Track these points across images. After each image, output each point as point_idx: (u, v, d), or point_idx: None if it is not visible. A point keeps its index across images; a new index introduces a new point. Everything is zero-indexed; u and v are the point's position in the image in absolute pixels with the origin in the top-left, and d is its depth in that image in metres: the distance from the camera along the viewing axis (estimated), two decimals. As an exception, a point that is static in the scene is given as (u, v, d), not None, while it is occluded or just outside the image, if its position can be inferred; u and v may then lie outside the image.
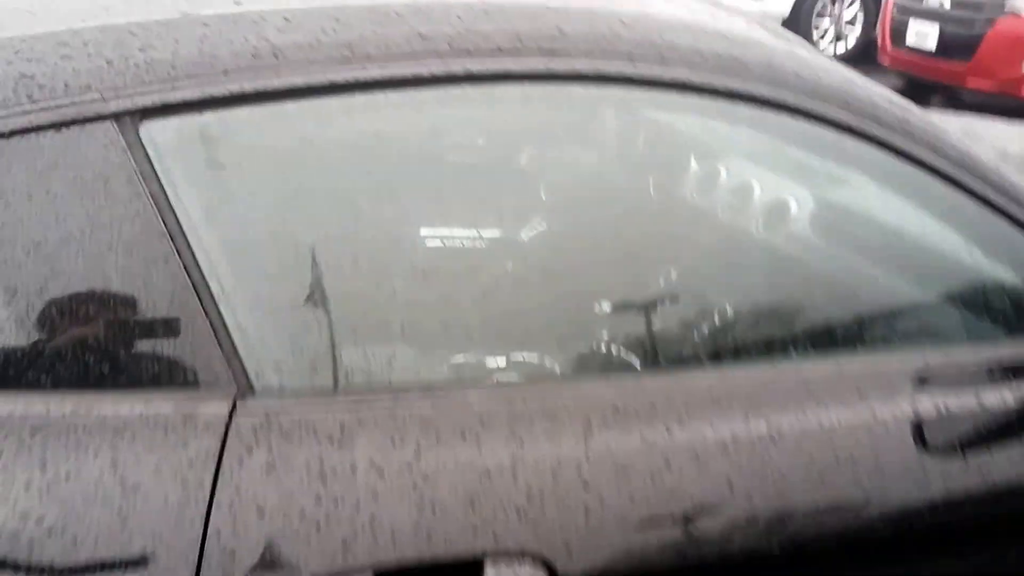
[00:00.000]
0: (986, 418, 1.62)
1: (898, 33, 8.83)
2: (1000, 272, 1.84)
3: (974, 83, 8.13)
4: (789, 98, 1.64)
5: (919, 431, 1.58)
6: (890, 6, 9.08)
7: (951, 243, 1.86)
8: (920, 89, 8.36)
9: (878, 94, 1.74)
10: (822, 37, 10.69)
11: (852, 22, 10.70)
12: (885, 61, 9.06)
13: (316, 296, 1.45)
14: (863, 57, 9.72)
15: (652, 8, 1.77)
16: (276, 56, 1.42)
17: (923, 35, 8.48)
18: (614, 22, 1.62)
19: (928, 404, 1.60)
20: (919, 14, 8.57)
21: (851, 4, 10.62)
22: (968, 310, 1.86)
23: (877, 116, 1.68)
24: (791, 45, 1.83)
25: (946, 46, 8.29)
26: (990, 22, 7.98)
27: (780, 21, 10.55)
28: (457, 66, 1.49)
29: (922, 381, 1.63)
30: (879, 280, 1.90)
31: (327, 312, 1.46)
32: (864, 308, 1.83)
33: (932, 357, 1.68)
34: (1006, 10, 7.92)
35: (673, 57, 1.61)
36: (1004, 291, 1.83)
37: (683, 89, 1.62)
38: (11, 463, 1.21)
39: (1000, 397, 1.65)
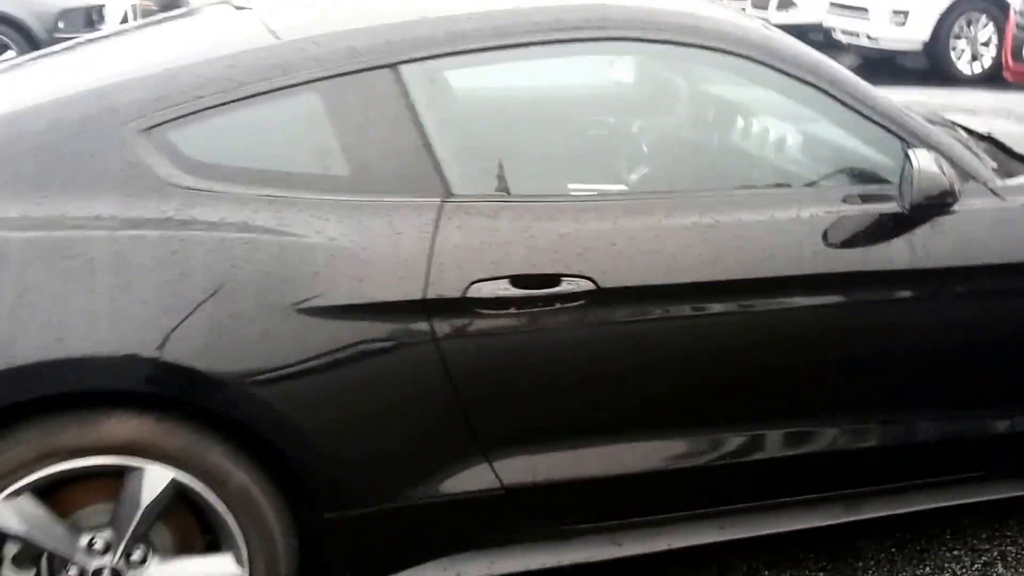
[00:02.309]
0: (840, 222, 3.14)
1: (1018, 50, 10.41)
2: (848, 140, 3.39)
3: None
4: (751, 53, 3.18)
5: (800, 229, 3.10)
6: (1011, 25, 10.75)
7: (823, 124, 3.43)
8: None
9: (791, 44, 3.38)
10: (959, 58, 12.56)
11: (987, 43, 12.48)
12: (1008, 76, 10.61)
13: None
14: (999, 75, 11.42)
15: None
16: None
17: (1042, 50, 10.17)
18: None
19: (805, 213, 3.13)
20: (1037, 31, 10.28)
21: (985, 26, 12.43)
22: (830, 163, 3.43)
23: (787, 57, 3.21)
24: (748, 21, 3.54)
25: (1061, 60, 9.95)
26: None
27: (922, 44, 12.61)
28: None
29: (801, 202, 3.19)
30: (782, 147, 3.59)
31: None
32: (772, 163, 3.53)
33: (805, 193, 3.27)
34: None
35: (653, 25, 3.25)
36: (853, 150, 3.39)
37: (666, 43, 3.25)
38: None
39: (850, 210, 3.14)
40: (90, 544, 2.59)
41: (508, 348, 2.77)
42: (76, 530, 2.60)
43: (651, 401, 2.96)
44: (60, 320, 2.44)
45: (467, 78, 3.25)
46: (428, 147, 2.77)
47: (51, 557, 2.61)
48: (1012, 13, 10.78)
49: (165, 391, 2.52)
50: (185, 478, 2.57)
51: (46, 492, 2.56)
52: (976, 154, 3.37)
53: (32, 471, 2.48)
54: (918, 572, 3.33)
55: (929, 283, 3.09)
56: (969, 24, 12.63)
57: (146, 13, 12.09)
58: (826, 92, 3.11)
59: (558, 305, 2.75)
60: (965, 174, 3.13)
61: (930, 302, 3.13)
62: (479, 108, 3.51)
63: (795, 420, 3.12)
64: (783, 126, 3.46)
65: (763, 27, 3.35)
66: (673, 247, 2.85)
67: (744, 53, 3.09)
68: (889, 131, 3.11)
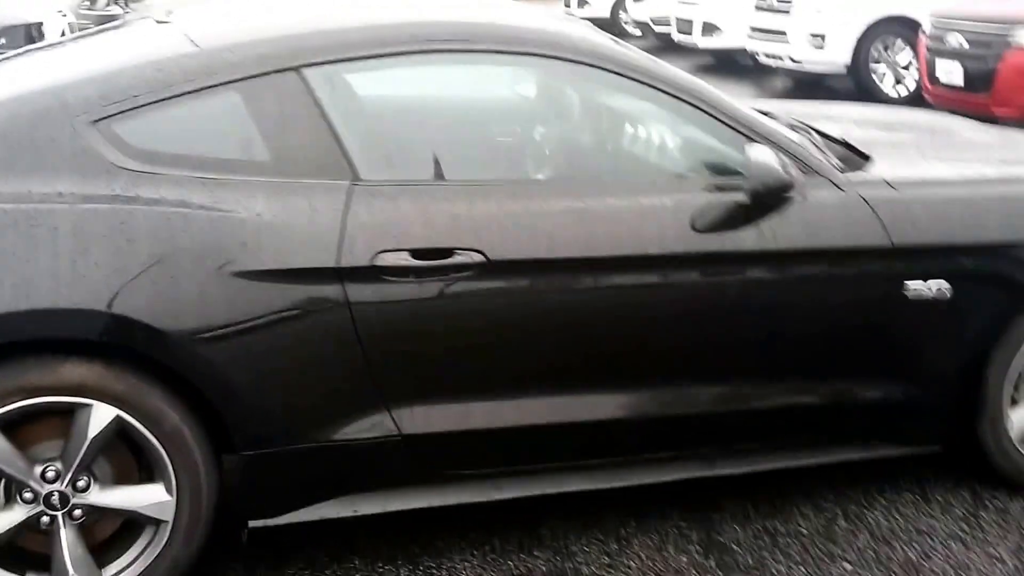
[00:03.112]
0: (699, 208, 3.78)
1: (932, 72, 11.29)
2: (708, 139, 4.02)
3: (1000, 112, 10.28)
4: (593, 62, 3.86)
5: (663, 213, 3.75)
6: (922, 49, 11.59)
7: (684, 126, 4.08)
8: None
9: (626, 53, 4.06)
10: (881, 81, 13.46)
11: (907, 67, 13.34)
12: (929, 99, 11.41)
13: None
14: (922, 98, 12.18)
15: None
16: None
17: (950, 72, 10.89)
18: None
19: (668, 200, 3.79)
20: (944, 54, 11.01)
21: (903, 50, 13.29)
22: (695, 158, 4.10)
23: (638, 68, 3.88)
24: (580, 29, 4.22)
25: (970, 81, 10.65)
26: (999, 57, 10.29)
27: (844, 67, 13.52)
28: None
29: (665, 190, 3.86)
30: (651, 144, 4.22)
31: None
32: (641, 158, 4.16)
33: (669, 183, 3.94)
34: (1012, 45, 10.22)
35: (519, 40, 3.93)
36: (714, 148, 4.01)
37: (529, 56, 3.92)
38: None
39: (708, 198, 3.79)
40: (43, 473, 3.16)
41: (409, 311, 3.39)
42: (32, 461, 3.17)
43: (532, 362, 3.58)
44: (27, 278, 3.03)
45: (372, 81, 3.88)
46: (336, 138, 3.41)
47: (9, 483, 3.16)
48: (922, 36, 11.67)
49: (113, 340, 3.10)
50: (127, 416, 3.15)
51: (7, 429, 3.11)
52: (823, 152, 4.03)
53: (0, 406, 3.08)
54: (768, 524, 3.95)
55: (777, 263, 3.72)
56: (887, 48, 13.54)
57: (82, 30, 12.80)
58: (679, 98, 3.76)
59: (452, 275, 3.37)
60: (810, 169, 3.77)
61: (779, 280, 3.76)
62: (382, 106, 4.11)
63: (660, 384, 3.75)
64: (654, 127, 4.08)
65: (613, 42, 4.02)
66: (551, 227, 3.48)
67: (599, 64, 3.75)
68: (736, 131, 3.75)
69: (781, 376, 3.87)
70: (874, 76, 13.64)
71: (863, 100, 12.61)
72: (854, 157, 4.20)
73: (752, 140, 3.72)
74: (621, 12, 22.82)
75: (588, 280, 3.55)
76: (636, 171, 4.07)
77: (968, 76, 10.73)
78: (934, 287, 3.84)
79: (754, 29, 15.39)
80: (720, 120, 3.78)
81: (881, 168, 4.05)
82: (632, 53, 3.94)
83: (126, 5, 18.24)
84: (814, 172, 3.80)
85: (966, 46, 10.80)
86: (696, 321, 3.70)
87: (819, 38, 13.90)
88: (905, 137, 4.91)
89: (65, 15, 14.13)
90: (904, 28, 13.33)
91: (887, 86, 13.60)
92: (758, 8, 15.40)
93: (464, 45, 3.75)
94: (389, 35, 3.68)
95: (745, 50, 15.99)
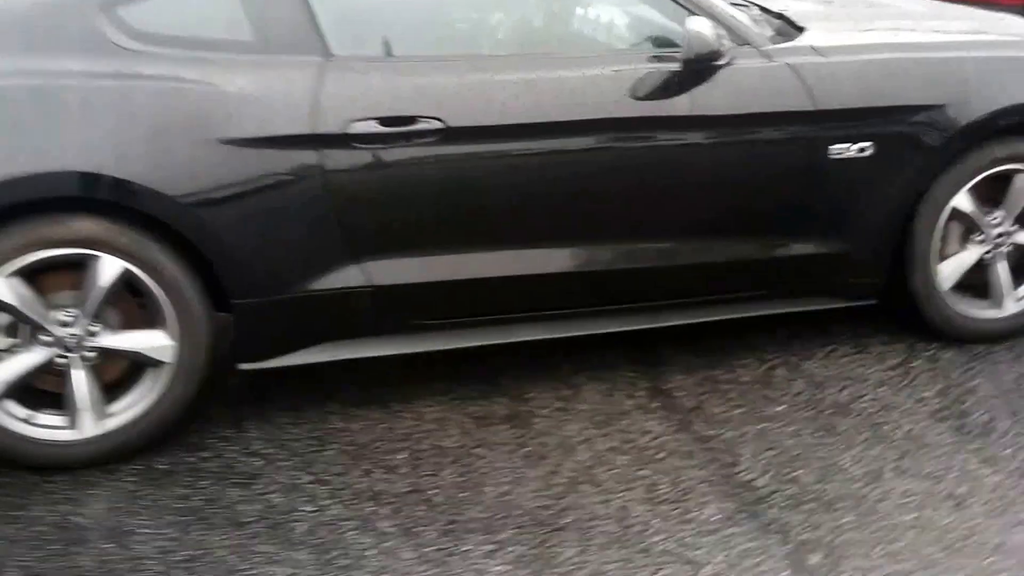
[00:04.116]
0: (638, 77, 4.34)
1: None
2: (651, 13, 4.58)
3: None
4: None
5: (605, 82, 4.30)
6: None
7: (632, 5, 4.65)
8: None
9: None
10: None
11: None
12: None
13: None
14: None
15: None
16: None
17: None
18: None
19: (608, 70, 4.33)
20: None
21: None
22: (637, 33, 4.65)
23: None
24: None
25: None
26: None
27: None
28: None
29: (607, 62, 4.37)
30: (598, 20, 4.73)
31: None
32: (588, 34, 4.67)
33: (612, 55, 4.46)
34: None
35: None
36: (655, 22, 4.57)
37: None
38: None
39: (647, 67, 4.33)
40: (60, 318, 3.79)
41: (378, 173, 3.98)
42: (51, 307, 3.79)
43: (489, 219, 4.18)
44: (42, 144, 3.63)
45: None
46: (312, 18, 3.97)
47: (31, 327, 3.79)
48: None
49: (118, 199, 3.70)
50: (132, 267, 3.75)
51: (30, 278, 3.73)
52: (756, 23, 4.61)
53: (21, 257, 3.66)
54: (711, 373, 4.59)
55: (709, 127, 4.30)
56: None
57: None
58: None
59: (416, 140, 3.96)
60: (741, 39, 4.33)
61: (712, 143, 4.33)
62: None
63: (606, 239, 4.35)
64: (604, 7, 4.63)
65: None
66: (504, 96, 4.06)
67: None
68: (678, 4, 4.29)
69: (718, 233, 4.45)
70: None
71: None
72: (791, 29, 4.75)
73: (692, 13, 4.25)
74: None
75: (537, 144, 4.12)
76: (583, 46, 4.60)
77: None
78: (856, 148, 4.40)
79: None
80: None
81: (810, 37, 4.60)
82: None
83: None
84: (746, 43, 4.34)
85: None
86: (637, 182, 4.27)
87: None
88: (843, 11, 5.51)
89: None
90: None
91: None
92: None
93: None
94: None
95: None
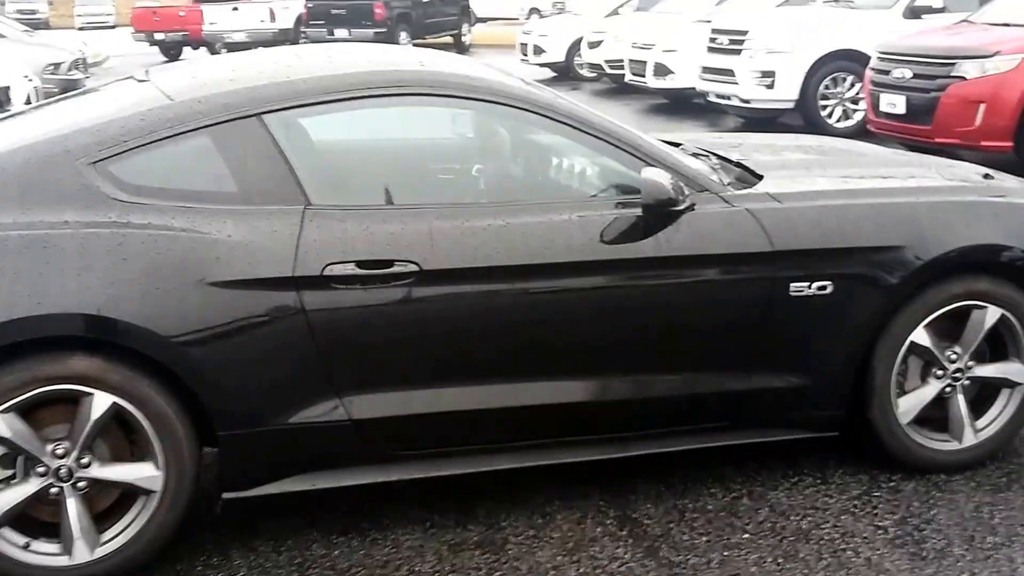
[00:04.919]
0: (604, 223, 4.68)
1: (876, 105, 12.41)
2: (609, 163, 4.94)
3: (941, 140, 11.47)
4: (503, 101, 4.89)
5: (572, 228, 4.63)
6: (867, 82, 12.75)
7: (588, 156, 5.03)
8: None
9: (546, 95, 5.03)
10: (830, 115, 14.63)
11: (856, 101, 14.53)
12: (871, 128, 12.64)
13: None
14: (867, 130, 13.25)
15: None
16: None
17: (894, 104, 12.02)
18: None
19: (575, 216, 4.67)
20: (888, 87, 12.16)
21: (853, 85, 14.50)
22: (603, 182, 5.01)
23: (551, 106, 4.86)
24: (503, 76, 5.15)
25: (913, 112, 11.79)
26: (942, 88, 11.40)
27: (793, 103, 14.60)
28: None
29: (574, 208, 4.72)
30: (561, 170, 5.15)
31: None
32: (554, 182, 5.11)
33: (578, 202, 4.81)
34: (954, 77, 11.34)
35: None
36: (612, 171, 4.93)
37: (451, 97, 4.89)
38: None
39: (612, 213, 4.70)
40: (54, 450, 4.05)
41: (356, 314, 4.27)
42: (45, 440, 4.06)
43: (464, 355, 4.46)
44: (42, 288, 3.93)
45: (321, 124, 4.81)
46: (292, 171, 4.32)
47: (26, 459, 4.06)
48: (868, 70, 12.76)
49: (110, 338, 3.99)
50: (122, 402, 4.03)
51: (26, 413, 4.01)
52: (714, 172, 4.97)
53: (20, 393, 3.95)
54: (679, 502, 4.82)
55: (673, 268, 4.58)
56: (836, 83, 14.69)
57: (48, 95, 14.02)
58: (588, 132, 4.68)
59: (392, 282, 4.26)
60: (700, 187, 4.66)
61: (676, 284, 4.61)
62: (330, 143, 5.11)
63: (575, 374, 4.61)
64: (569, 157, 5.00)
65: (525, 83, 4.96)
66: (476, 241, 4.35)
67: (516, 105, 4.66)
68: (635, 156, 4.64)
69: (683, 367, 4.72)
70: (822, 111, 14.79)
71: (810, 133, 13.63)
72: (749, 176, 5.09)
73: (648, 164, 4.58)
74: (576, 57, 23.99)
75: (508, 285, 4.42)
76: (550, 193, 4.97)
77: (911, 107, 11.83)
78: (815, 286, 4.68)
79: (705, 69, 16.33)
80: (621, 148, 4.67)
81: (768, 184, 4.93)
82: (545, 95, 4.85)
83: (86, 71, 19.10)
84: (705, 189, 4.67)
85: (910, 78, 11.88)
86: (604, 319, 4.55)
87: (768, 76, 14.96)
88: (799, 158, 5.90)
89: (31, 79, 14.99)
90: (851, 62, 14.53)
91: (834, 120, 14.78)
92: (710, 50, 16.32)
93: (397, 90, 4.64)
94: (333, 84, 4.59)
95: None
